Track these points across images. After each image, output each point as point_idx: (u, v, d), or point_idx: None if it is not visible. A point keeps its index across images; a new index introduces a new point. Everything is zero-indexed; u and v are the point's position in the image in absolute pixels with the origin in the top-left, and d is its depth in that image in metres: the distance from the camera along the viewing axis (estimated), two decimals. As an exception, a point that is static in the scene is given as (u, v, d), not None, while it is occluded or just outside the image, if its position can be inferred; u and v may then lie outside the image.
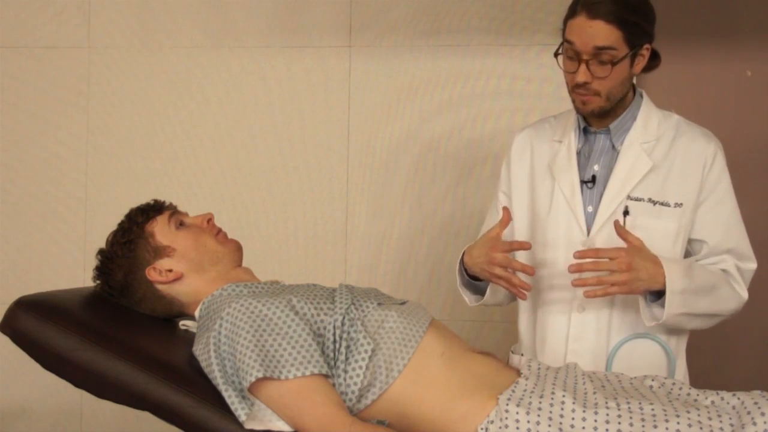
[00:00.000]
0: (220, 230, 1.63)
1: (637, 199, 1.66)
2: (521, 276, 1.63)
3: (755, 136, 2.54)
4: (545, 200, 1.74)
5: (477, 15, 2.62)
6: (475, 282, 1.78)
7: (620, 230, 1.58)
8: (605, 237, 1.66)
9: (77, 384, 1.44)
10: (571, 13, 1.61)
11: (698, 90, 2.55)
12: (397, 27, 2.65)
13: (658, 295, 1.61)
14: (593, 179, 1.70)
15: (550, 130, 1.81)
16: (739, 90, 2.55)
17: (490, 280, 1.69)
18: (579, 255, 1.57)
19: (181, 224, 1.60)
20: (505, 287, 1.65)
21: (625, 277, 1.54)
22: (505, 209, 1.67)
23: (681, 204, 1.66)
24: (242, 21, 2.71)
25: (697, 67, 2.55)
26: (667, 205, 1.66)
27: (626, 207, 1.66)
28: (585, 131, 1.73)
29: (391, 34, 2.66)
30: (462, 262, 1.76)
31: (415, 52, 2.64)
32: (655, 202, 1.66)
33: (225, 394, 1.36)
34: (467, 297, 1.82)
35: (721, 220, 1.69)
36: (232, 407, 1.35)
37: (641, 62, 1.63)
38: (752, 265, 1.72)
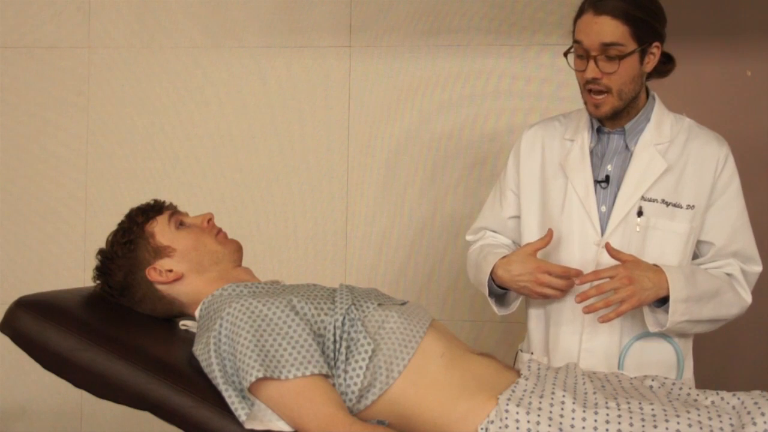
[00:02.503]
0: (220, 230, 1.63)
1: (651, 200, 1.67)
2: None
3: (755, 136, 2.54)
4: (558, 199, 1.74)
5: (477, 15, 2.62)
6: (501, 291, 1.78)
7: (611, 250, 1.60)
8: (619, 237, 1.67)
9: (77, 384, 1.43)
10: (579, 12, 1.63)
11: (698, 90, 2.55)
12: (397, 27, 2.65)
13: (662, 301, 1.62)
14: (607, 179, 1.70)
15: (560, 128, 1.81)
16: (739, 90, 2.55)
17: (531, 296, 1.73)
18: (580, 281, 1.60)
19: (181, 224, 1.60)
20: (550, 297, 1.70)
21: (630, 290, 1.55)
22: (550, 230, 1.68)
23: (693, 206, 1.67)
24: (242, 21, 2.71)
25: (697, 67, 2.55)
26: (679, 206, 1.67)
27: (640, 207, 1.67)
28: (598, 131, 1.74)
29: (391, 34, 2.66)
30: (492, 276, 1.75)
31: (415, 52, 2.65)
32: (668, 204, 1.67)
33: (225, 394, 1.36)
34: (497, 308, 1.83)
35: (729, 223, 1.70)
36: (233, 407, 1.35)
37: (651, 60, 1.64)
38: (757, 268, 1.73)
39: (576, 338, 1.70)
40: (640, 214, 1.67)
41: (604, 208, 1.70)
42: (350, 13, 2.67)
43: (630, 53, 1.59)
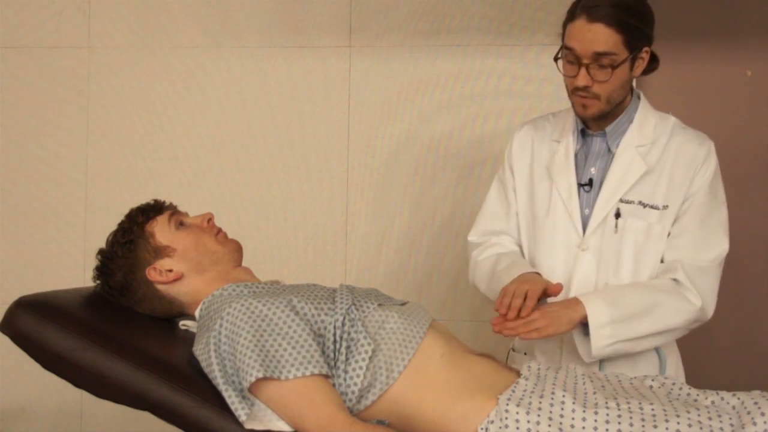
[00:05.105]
0: (220, 230, 1.63)
1: (628, 202, 1.67)
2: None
3: (755, 136, 2.54)
4: (543, 201, 1.74)
5: (477, 15, 2.62)
6: None
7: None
8: (598, 239, 1.68)
9: (77, 384, 1.43)
10: (570, 17, 1.60)
11: (698, 90, 2.55)
12: (397, 27, 2.65)
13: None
14: (590, 182, 1.70)
15: (549, 128, 1.81)
16: (739, 90, 2.55)
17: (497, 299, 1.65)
18: (498, 326, 1.55)
19: (181, 224, 1.60)
20: (497, 303, 1.59)
21: (545, 321, 1.53)
22: (559, 285, 1.61)
23: (667, 206, 1.66)
24: (242, 21, 2.71)
25: (697, 67, 2.55)
26: (656, 207, 1.67)
27: (618, 209, 1.67)
28: (583, 133, 1.74)
29: (391, 34, 2.66)
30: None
31: (415, 52, 2.65)
32: (645, 205, 1.67)
33: (225, 394, 1.36)
34: None
35: (696, 222, 1.67)
36: (232, 407, 1.35)
37: (641, 65, 1.63)
38: (714, 252, 1.66)
39: (558, 340, 1.71)
40: (618, 216, 1.67)
41: (587, 211, 1.70)
42: (350, 13, 2.67)
43: (622, 62, 1.57)
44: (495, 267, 1.76)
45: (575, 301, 1.59)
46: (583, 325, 1.61)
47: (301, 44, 2.69)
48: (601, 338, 1.58)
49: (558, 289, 1.59)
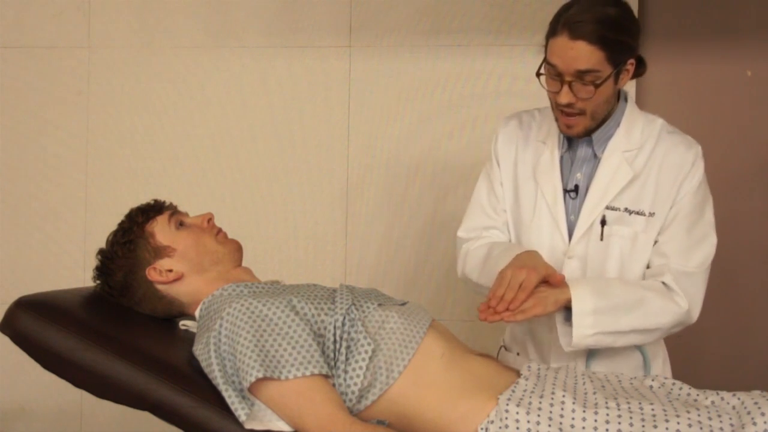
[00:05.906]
0: (220, 230, 1.64)
1: (614, 209, 1.65)
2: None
3: (755, 137, 2.54)
4: (529, 205, 1.72)
5: (477, 15, 2.62)
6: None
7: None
8: (584, 247, 1.66)
9: (77, 384, 1.44)
10: (552, 31, 1.55)
11: (698, 90, 2.55)
12: (397, 27, 2.65)
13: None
14: (576, 189, 1.67)
15: (535, 127, 1.76)
16: (739, 90, 2.55)
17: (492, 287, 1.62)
18: (489, 315, 1.52)
19: (181, 224, 1.60)
20: (491, 291, 1.56)
21: (533, 302, 1.51)
22: (561, 276, 1.59)
23: (654, 213, 1.64)
24: (243, 21, 2.71)
25: (697, 67, 2.55)
26: (642, 214, 1.64)
27: (603, 216, 1.65)
28: (569, 137, 1.69)
29: (391, 34, 2.66)
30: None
31: (415, 52, 2.65)
32: (631, 212, 1.65)
33: (225, 394, 1.36)
34: None
35: (684, 229, 1.65)
36: (232, 407, 1.35)
37: (626, 77, 1.60)
38: (701, 258, 1.64)
39: (546, 337, 1.70)
40: (603, 223, 1.65)
41: (573, 218, 1.67)
42: (350, 13, 2.67)
43: (606, 78, 1.53)
44: (489, 253, 1.72)
45: (563, 283, 1.57)
46: (567, 310, 1.59)
47: (301, 44, 2.69)
48: (583, 326, 1.56)
49: (560, 280, 1.56)
